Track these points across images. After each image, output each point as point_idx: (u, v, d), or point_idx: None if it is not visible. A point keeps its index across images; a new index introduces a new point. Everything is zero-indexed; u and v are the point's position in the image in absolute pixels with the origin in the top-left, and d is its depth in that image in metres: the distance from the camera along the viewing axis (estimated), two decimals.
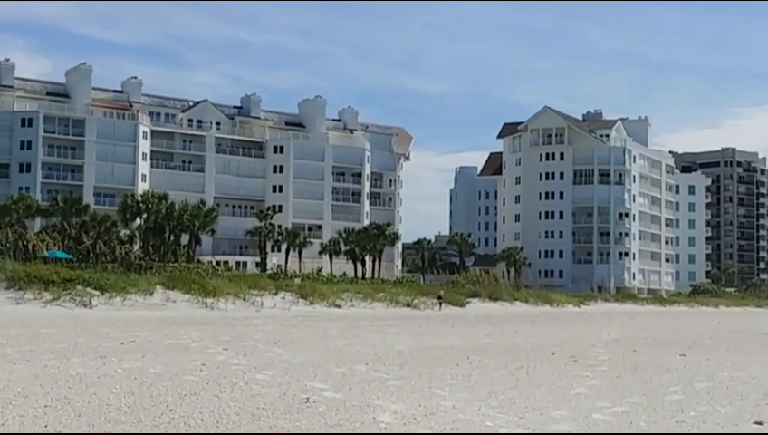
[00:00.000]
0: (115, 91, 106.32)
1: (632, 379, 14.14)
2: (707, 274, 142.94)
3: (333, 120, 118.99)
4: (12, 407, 9.17)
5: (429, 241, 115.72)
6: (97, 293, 34.25)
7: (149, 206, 72.40)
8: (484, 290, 65.26)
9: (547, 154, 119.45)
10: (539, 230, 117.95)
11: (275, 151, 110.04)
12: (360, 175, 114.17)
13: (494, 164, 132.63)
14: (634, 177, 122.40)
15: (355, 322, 32.06)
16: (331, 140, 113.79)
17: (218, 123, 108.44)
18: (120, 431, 8.11)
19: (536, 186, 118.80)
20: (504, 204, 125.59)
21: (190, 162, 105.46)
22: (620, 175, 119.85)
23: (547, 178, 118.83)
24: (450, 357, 17.29)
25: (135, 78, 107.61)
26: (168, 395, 10.34)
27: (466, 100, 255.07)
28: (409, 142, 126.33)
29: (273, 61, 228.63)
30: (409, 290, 55.28)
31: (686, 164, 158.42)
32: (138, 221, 74.12)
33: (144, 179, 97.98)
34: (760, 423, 9.88)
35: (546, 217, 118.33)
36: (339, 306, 43.50)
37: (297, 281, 54.38)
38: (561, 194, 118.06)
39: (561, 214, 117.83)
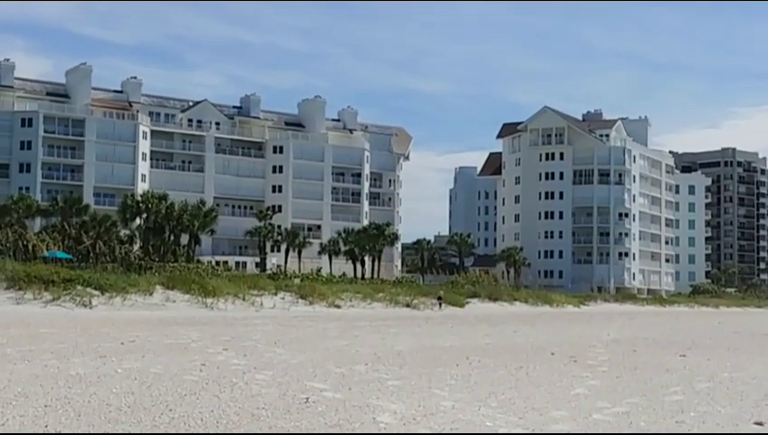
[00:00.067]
0: (115, 91, 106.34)
1: (632, 379, 14.14)
2: (707, 274, 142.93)
3: (333, 120, 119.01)
4: (12, 407, 9.17)
5: (429, 241, 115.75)
6: (97, 293, 34.24)
7: (149, 206, 72.43)
8: (483, 290, 65.25)
9: (547, 154, 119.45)
10: (538, 230, 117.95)
11: (275, 151, 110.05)
12: (359, 175, 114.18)
13: (494, 164, 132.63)
14: (634, 177, 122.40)
15: (354, 322, 32.06)
16: (330, 140, 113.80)
17: (218, 123, 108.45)
18: (120, 431, 8.11)
19: (536, 186, 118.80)
20: (503, 204, 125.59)
21: (190, 162, 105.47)
22: (620, 175, 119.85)
23: (547, 179, 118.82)
24: (450, 357, 17.28)
25: (135, 78, 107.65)
26: (168, 395, 10.34)
27: (466, 100, 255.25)
28: (409, 142, 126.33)
29: (273, 61, 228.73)
30: (409, 290, 55.27)
31: (686, 164, 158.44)
32: (137, 221, 74.15)
33: (144, 179, 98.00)
34: (760, 424, 9.88)
35: (546, 218, 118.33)
36: (338, 306, 43.50)
37: (297, 281, 54.37)
38: (561, 194, 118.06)
39: (561, 214, 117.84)
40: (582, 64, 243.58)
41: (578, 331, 32.33)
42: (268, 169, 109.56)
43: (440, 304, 50.16)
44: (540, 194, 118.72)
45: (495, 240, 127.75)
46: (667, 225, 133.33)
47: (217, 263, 78.06)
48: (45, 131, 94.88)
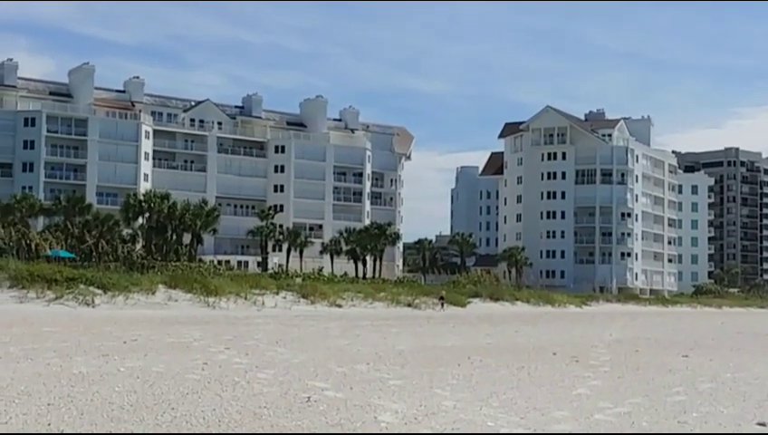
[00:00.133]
0: (117, 90, 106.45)
1: (634, 379, 14.13)
2: (710, 274, 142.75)
3: (334, 119, 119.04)
4: (15, 405, 9.18)
5: (430, 241, 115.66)
6: (99, 292, 34.29)
7: (152, 205, 72.50)
8: (485, 290, 65.24)
9: (549, 154, 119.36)
10: (540, 230, 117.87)
11: (277, 151, 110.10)
12: (361, 175, 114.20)
13: (496, 164, 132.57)
14: (636, 177, 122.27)
15: (356, 321, 32.06)
16: (332, 139, 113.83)
17: (220, 123, 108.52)
18: (122, 429, 8.13)
19: (538, 186, 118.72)
20: (505, 204, 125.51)
21: (192, 162, 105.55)
22: (623, 175, 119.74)
23: (549, 178, 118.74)
24: (451, 357, 17.28)
25: (137, 78, 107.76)
26: (171, 394, 10.35)
27: (468, 99, 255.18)
28: (410, 142, 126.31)
29: (275, 61, 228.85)
30: (410, 290, 55.29)
31: (689, 164, 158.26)
32: (140, 220, 74.24)
33: (146, 179, 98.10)
34: (763, 424, 9.87)
35: (548, 217, 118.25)
36: (340, 306, 43.52)
37: (298, 280, 54.39)
38: (563, 194, 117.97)
39: (563, 214, 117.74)
40: (585, 64, 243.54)
41: (580, 331, 32.31)
42: (270, 168, 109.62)
43: (442, 305, 50.08)
44: (542, 194, 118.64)
45: (497, 240, 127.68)
46: (669, 225, 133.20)
47: (219, 262, 78.10)
48: (48, 131, 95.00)
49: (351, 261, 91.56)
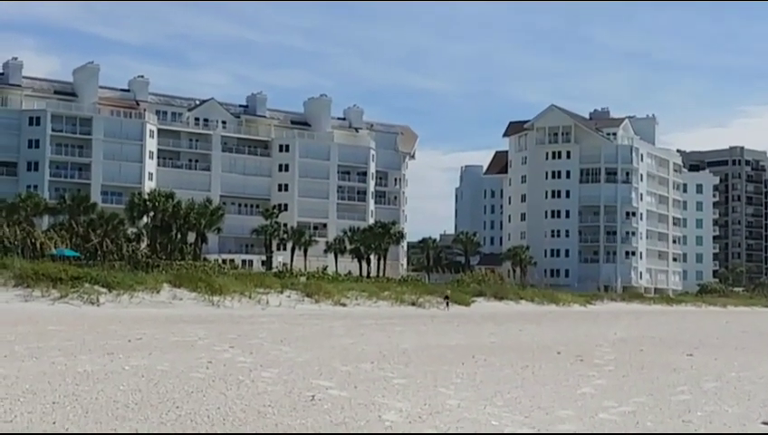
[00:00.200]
0: (122, 89, 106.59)
1: (639, 378, 14.11)
2: (715, 273, 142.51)
3: (338, 118, 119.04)
4: (20, 403, 9.20)
5: (434, 240, 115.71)
6: (104, 290, 34.36)
7: (156, 204, 72.61)
8: (489, 289, 65.23)
9: (553, 153, 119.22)
10: (545, 229, 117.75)
11: (281, 150, 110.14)
12: (365, 174, 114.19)
13: (500, 163, 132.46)
14: (641, 175, 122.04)
15: (360, 320, 32.07)
16: (336, 138, 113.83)
17: (224, 122, 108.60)
18: (127, 427, 8.14)
19: (542, 184, 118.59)
20: (509, 203, 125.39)
21: (196, 161, 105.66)
22: (627, 173, 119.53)
23: (553, 177, 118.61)
24: (455, 356, 17.28)
25: (142, 77, 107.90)
26: (175, 392, 10.36)
27: (472, 98, 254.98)
28: (414, 141, 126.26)
29: (279, 60, 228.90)
30: (414, 289, 55.28)
31: (694, 163, 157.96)
32: (145, 219, 74.36)
33: (151, 178, 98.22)
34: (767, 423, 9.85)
35: (552, 216, 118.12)
36: (344, 305, 43.53)
37: (302, 279, 54.42)
38: (568, 193, 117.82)
39: (568, 213, 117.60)
40: (590, 63, 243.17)
41: (584, 330, 32.27)
42: (274, 167, 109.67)
43: (447, 304, 49.99)
44: (546, 193, 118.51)
45: (501, 239, 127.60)
46: (674, 223, 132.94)
47: (224, 261, 78.20)
48: (53, 130, 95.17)
49: (356, 260, 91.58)
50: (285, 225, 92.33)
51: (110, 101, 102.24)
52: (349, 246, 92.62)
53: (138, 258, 61.28)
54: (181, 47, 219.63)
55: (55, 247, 61.02)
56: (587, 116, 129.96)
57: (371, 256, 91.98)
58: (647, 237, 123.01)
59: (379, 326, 28.28)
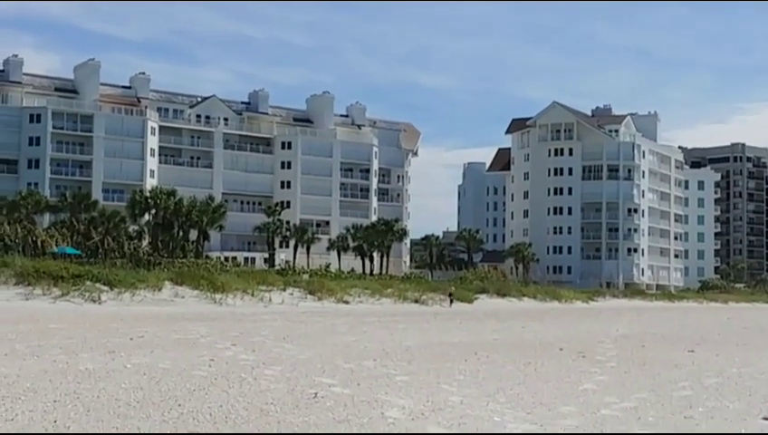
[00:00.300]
0: (123, 86, 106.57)
1: (640, 374, 14.11)
2: (716, 269, 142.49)
3: (341, 115, 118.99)
4: (21, 402, 9.21)
5: (437, 237, 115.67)
6: (106, 288, 34.35)
7: (158, 202, 72.63)
8: (492, 286, 65.26)
9: (556, 149, 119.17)
10: (547, 226, 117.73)
11: (283, 147, 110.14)
12: (367, 171, 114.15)
13: (503, 160, 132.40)
14: (643, 172, 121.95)
15: (363, 317, 32.07)
16: (338, 135, 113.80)
17: (226, 119, 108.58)
18: (128, 425, 8.14)
19: (545, 181, 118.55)
20: (512, 200, 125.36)
21: (198, 158, 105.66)
22: (629, 170, 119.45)
23: (556, 174, 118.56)
24: (458, 353, 17.28)
25: (143, 74, 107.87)
26: (177, 390, 10.36)
27: (475, 95, 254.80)
28: (417, 138, 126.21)
29: (281, 57, 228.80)
30: (417, 286, 55.28)
31: (696, 159, 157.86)
32: (146, 217, 74.38)
33: (152, 175, 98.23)
34: None
35: (555, 213, 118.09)
36: (347, 302, 43.54)
37: (305, 277, 54.44)
38: (570, 190, 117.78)
39: (570, 210, 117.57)
40: (591, 60, 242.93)
41: (586, 326, 32.26)
42: (276, 164, 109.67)
43: (451, 301, 49.91)
44: (549, 190, 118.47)
45: (504, 236, 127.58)
46: (675, 220, 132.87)
47: (226, 259, 78.28)
48: (54, 127, 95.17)
49: (358, 257, 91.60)
50: (288, 222, 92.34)
51: (112, 98, 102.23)
52: (351, 244, 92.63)
53: (139, 256, 61.29)
54: (183, 44, 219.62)
55: (56, 245, 61.05)
56: (589, 113, 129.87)
57: (374, 254, 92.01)
58: (648, 234, 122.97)
59: (382, 324, 28.28)
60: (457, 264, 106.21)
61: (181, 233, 72.80)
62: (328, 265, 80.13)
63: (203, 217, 73.86)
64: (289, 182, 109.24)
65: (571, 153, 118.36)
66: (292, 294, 42.47)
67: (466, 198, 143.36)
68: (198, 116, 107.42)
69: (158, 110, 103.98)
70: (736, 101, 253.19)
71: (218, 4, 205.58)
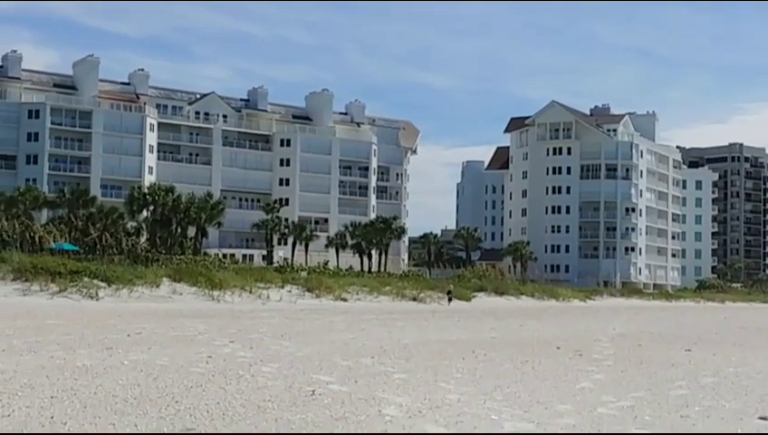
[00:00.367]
0: (122, 83, 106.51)
1: (637, 373, 14.12)
2: (713, 269, 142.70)
3: (340, 113, 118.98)
4: (18, 398, 9.20)
5: (436, 235, 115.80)
6: (104, 285, 34.32)
7: (156, 198, 72.62)
8: (490, 284, 65.31)
9: (554, 148, 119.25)
10: (545, 225, 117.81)
11: (282, 144, 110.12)
12: (366, 169, 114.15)
13: (501, 158, 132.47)
14: (641, 172, 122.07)
15: (361, 315, 32.07)
16: (337, 133, 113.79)
17: (225, 116, 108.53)
18: (125, 422, 8.14)
19: (543, 180, 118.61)
20: (510, 198, 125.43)
21: (197, 155, 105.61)
22: (627, 170, 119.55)
23: (554, 173, 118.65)
24: (456, 351, 17.28)
25: (142, 70, 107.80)
26: (174, 387, 10.36)
27: (474, 94, 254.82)
28: (416, 136, 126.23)
29: (281, 54, 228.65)
30: (415, 284, 55.31)
31: (694, 159, 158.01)
32: (144, 213, 74.37)
33: (151, 172, 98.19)
34: (765, 419, 9.86)
35: (553, 212, 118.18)
36: (345, 300, 43.54)
37: (303, 274, 54.43)
38: (568, 189, 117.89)
39: (568, 209, 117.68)
40: (590, 59, 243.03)
41: (584, 325, 32.28)
42: (275, 161, 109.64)
43: (449, 299, 49.87)
44: (547, 188, 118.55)
45: (502, 234, 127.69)
46: (673, 220, 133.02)
47: (224, 255, 78.21)
48: (52, 123, 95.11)
49: (357, 255, 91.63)
50: (286, 219, 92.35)
51: (110, 95, 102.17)
52: (350, 241, 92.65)
53: (137, 252, 61.25)
54: (182, 40, 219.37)
55: (54, 241, 60.97)
56: (588, 112, 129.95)
57: (372, 251, 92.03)
58: (646, 233, 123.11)
59: (380, 321, 28.28)
60: (455, 262, 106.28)
61: (179, 230, 72.80)
62: (326, 263, 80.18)
63: (201, 213, 73.86)
64: (288, 179, 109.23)
65: (569, 152, 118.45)
66: (290, 291, 42.46)
67: (465, 197, 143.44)
68: (197, 113, 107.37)
69: (157, 106, 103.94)
70: (735, 101, 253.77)
71: (218, 1, 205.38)
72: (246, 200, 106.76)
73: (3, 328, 18.06)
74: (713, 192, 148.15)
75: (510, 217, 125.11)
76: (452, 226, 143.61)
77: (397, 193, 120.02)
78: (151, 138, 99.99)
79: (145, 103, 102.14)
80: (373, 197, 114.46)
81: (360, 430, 8.24)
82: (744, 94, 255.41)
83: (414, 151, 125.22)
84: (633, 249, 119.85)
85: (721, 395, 11.66)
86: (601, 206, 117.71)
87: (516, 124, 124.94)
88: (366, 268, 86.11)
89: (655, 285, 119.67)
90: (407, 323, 28.19)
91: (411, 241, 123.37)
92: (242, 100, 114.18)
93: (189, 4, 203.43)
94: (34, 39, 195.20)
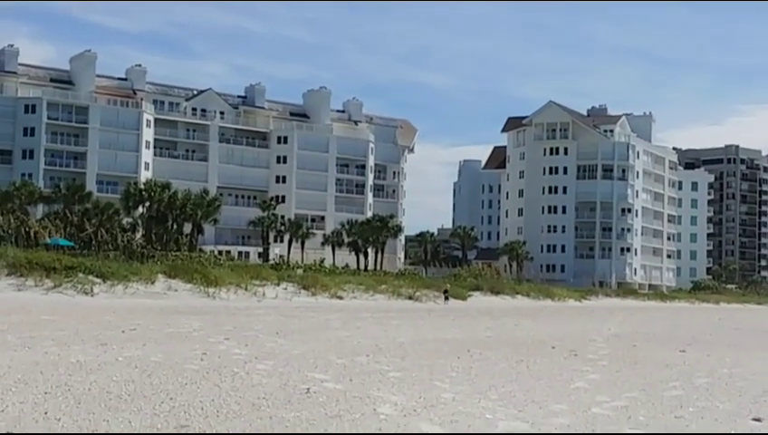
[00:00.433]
0: (119, 78, 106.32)
1: (632, 374, 14.14)
2: (708, 270, 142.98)
3: (338, 111, 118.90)
4: (12, 393, 9.18)
5: (432, 234, 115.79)
6: (98, 280, 34.28)
7: (152, 194, 72.48)
8: (486, 283, 65.38)
9: (551, 148, 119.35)
10: (542, 224, 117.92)
11: (279, 142, 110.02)
12: (363, 167, 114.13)
13: (498, 158, 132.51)
14: (637, 172, 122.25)
15: (357, 313, 32.07)
16: (335, 131, 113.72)
17: (222, 113, 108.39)
18: (119, 418, 8.12)
19: (540, 180, 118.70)
20: (507, 198, 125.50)
21: (194, 151, 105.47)
22: (624, 170, 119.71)
23: (551, 173, 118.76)
24: (451, 350, 17.29)
25: (139, 66, 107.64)
26: (169, 384, 10.34)
27: (471, 93, 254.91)
28: (414, 135, 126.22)
29: (279, 52, 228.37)
30: (411, 282, 55.34)
31: (690, 160, 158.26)
32: (140, 209, 74.24)
33: (147, 168, 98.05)
34: (758, 420, 9.87)
35: (549, 212, 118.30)
36: (341, 298, 43.54)
37: (299, 272, 54.41)
38: (565, 189, 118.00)
39: (564, 209, 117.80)
40: (587, 60, 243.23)
41: (579, 325, 32.33)
42: (272, 159, 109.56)
43: (446, 298, 49.78)
44: (543, 188, 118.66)
45: (498, 234, 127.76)
46: (669, 221, 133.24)
47: (220, 252, 78.18)
48: (49, 118, 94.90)
49: (353, 253, 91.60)
50: (283, 217, 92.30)
51: (107, 90, 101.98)
52: (346, 239, 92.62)
53: (133, 249, 61.15)
54: (180, 37, 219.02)
55: (49, 237, 60.87)
56: (584, 113, 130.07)
57: (369, 250, 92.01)
58: (642, 234, 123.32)
59: (376, 320, 28.28)
60: (452, 261, 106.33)
61: (175, 226, 72.68)
62: (322, 261, 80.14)
63: (197, 210, 73.74)
64: (284, 177, 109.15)
65: (566, 152, 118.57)
66: (285, 288, 42.45)
67: (462, 196, 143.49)
68: (194, 109, 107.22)
69: (154, 102, 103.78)
70: (731, 102, 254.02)
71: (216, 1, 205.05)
72: (243, 197, 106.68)
73: None
74: (708, 193, 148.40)
75: (506, 216, 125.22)
76: (448, 225, 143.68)
77: (393, 191, 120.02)
78: (148, 134, 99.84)
79: (142, 99, 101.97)
80: (370, 195, 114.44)
81: (355, 428, 8.24)
82: (741, 96, 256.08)
83: (411, 150, 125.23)
84: (629, 250, 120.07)
85: (715, 396, 11.68)
86: (597, 206, 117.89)
87: (513, 124, 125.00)
88: (362, 266, 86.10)
89: (650, 285, 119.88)
90: (402, 321, 28.19)
91: (408, 240, 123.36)
92: (239, 96, 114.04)
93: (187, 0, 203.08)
94: (32, 34, 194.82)
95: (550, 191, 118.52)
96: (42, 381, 10.12)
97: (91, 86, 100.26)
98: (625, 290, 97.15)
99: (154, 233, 70.48)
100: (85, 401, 8.89)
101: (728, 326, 37.90)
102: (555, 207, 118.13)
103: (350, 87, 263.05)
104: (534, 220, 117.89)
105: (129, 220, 73.40)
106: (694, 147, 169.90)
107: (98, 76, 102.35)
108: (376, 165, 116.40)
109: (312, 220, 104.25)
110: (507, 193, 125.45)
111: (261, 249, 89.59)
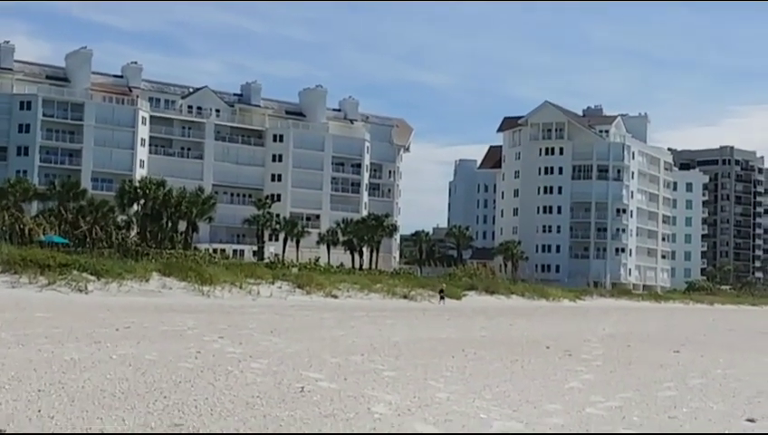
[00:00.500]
0: (115, 75, 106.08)
1: (626, 374, 14.16)
2: (703, 271, 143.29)
3: (334, 110, 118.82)
4: (5, 391, 9.15)
5: (427, 233, 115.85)
6: (93, 278, 34.20)
7: (147, 192, 72.39)
8: (480, 283, 65.39)
9: (546, 149, 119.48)
10: (537, 224, 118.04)
11: (275, 140, 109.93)
12: (359, 165, 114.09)
13: (494, 157, 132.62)
14: (632, 173, 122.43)
15: (351, 312, 32.06)
16: (331, 129, 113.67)
17: (218, 110, 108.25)
18: (113, 416, 8.10)
19: (535, 180, 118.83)
20: (502, 197, 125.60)
21: (189, 149, 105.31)
22: (619, 171, 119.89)
23: (546, 173, 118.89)
24: (446, 349, 17.29)
25: (135, 63, 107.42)
26: (163, 382, 10.32)
27: (468, 93, 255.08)
28: (410, 134, 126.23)
29: (275, 50, 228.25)
30: (406, 282, 55.32)
31: (685, 161, 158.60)
32: (135, 207, 74.13)
33: (142, 165, 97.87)
34: (752, 420, 9.89)
35: (544, 212, 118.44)
36: (335, 296, 43.51)
37: (294, 270, 54.37)
38: (560, 189, 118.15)
39: (559, 209, 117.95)
40: (584, 60, 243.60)
41: (573, 325, 32.36)
42: (268, 157, 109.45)
43: (441, 298, 49.61)
44: (539, 188, 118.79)
45: (494, 233, 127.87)
46: (663, 221, 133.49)
47: (215, 251, 78.09)
48: (44, 115, 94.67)
49: (348, 252, 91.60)
50: (278, 215, 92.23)
51: (103, 87, 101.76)
52: (341, 238, 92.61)
53: (127, 246, 61.04)
54: (176, 34, 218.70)
55: (44, 234, 60.73)
56: (580, 113, 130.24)
57: (364, 249, 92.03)
58: (636, 234, 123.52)
59: (371, 319, 28.27)
60: (447, 260, 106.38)
61: (170, 224, 72.62)
62: (317, 260, 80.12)
63: (192, 208, 73.69)
64: (280, 175, 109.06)
65: (561, 152, 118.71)
66: (280, 287, 42.40)
67: (457, 195, 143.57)
68: (190, 107, 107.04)
69: (150, 100, 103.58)
70: (727, 103, 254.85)
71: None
72: (238, 195, 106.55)
73: None
74: (703, 194, 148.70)
75: (501, 216, 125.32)
76: (444, 224, 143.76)
77: (389, 190, 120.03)
78: (143, 131, 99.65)
79: (137, 96, 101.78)
80: (365, 194, 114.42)
81: (349, 427, 8.23)
82: (736, 97, 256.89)
83: (407, 149, 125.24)
84: (623, 250, 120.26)
85: (709, 397, 11.70)
86: (592, 206, 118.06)
87: (509, 124, 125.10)
88: (357, 265, 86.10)
89: (644, 286, 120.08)
90: (397, 320, 28.19)
91: (403, 239, 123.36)
92: (235, 94, 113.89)
93: None
94: (28, 30, 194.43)
95: (545, 191, 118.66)
96: (35, 378, 10.09)
97: (86, 83, 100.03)
98: (619, 290, 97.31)
99: (149, 231, 70.39)
100: (79, 399, 8.87)
101: (722, 327, 37.99)
102: (550, 208, 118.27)
103: (345, 86, 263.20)
104: (529, 220, 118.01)
105: (124, 218, 73.28)
106: (689, 148, 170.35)
107: (93, 73, 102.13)
108: (371, 164, 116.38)
109: (308, 219, 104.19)
110: (502, 193, 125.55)
111: (256, 248, 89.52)
